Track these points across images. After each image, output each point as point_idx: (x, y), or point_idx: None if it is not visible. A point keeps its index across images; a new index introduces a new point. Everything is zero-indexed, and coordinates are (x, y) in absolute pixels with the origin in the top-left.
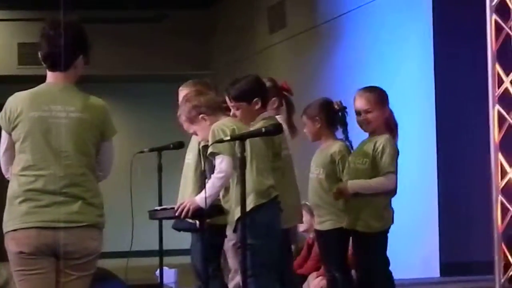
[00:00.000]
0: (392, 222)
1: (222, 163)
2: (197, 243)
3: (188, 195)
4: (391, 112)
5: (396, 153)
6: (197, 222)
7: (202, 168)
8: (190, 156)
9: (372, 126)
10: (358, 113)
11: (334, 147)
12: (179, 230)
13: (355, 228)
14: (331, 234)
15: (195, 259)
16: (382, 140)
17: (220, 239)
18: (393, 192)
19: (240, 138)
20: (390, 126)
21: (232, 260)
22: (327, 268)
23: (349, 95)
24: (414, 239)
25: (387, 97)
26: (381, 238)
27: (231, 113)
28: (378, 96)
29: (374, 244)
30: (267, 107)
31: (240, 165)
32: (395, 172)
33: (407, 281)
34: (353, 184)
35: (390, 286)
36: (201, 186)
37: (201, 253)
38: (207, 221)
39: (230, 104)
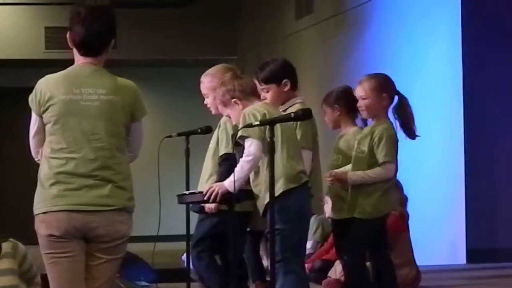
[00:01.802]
0: (392, 208)
1: (251, 146)
2: (204, 221)
3: (206, 179)
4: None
5: (394, 141)
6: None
7: (231, 150)
8: (212, 140)
9: (367, 113)
10: (357, 99)
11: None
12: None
13: (353, 215)
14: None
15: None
16: (379, 129)
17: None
18: (392, 179)
19: (269, 123)
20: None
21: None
22: (340, 256)
23: None
24: (440, 225)
25: (388, 85)
26: (373, 224)
27: (262, 97)
28: (375, 84)
29: (364, 229)
30: (295, 90)
31: (269, 149)
32: (393, 161)
33: (434, 268)
34: (353, 176)
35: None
36: (217, 171)
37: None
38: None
39: (259, 87)
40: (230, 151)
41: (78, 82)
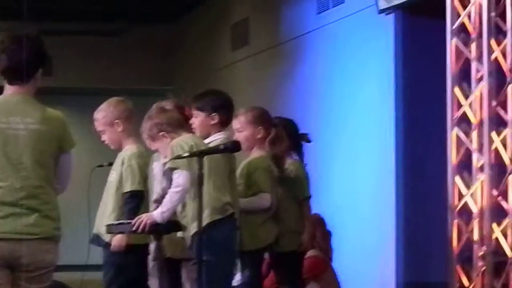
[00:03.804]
0: (272, 240)
1: (179, 178)
2: (109, 261)
3: (108, 214)
4: (270, 131)
5: (267, 171)
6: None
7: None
8: (114, 175)
9: (244, 145)
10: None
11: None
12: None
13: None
14: None
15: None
16: (254, 159)
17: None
18: (268, 210)
19: (198, 155)
20: (277, 144)
21: (154, 281)
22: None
23: (310, 112)
24: (373, 259)
25: (263, 118)
26: (252, 257)
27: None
28: (250, 117)
29: (243, 263)
30: (225, 127)
31: (198, 181)
32: (267, 191)
33: None
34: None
35: None
36: (121, 206)
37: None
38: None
39: (192, 110)
40: (137, 188)
41: (5, 111)
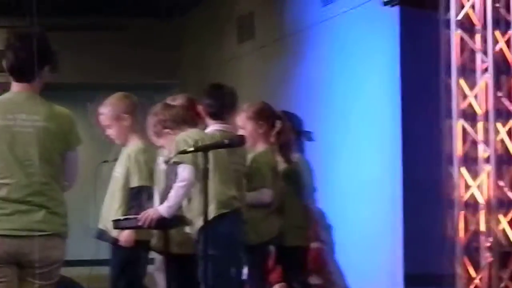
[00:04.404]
0: (275, 234)
1: (184, 172)
2: (116, 256)
3: (115, 209)
4: (273, 124)
5: (269, 166)
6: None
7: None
8: (119, 170)
9: (249, 141)
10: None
11: None
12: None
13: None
14: None
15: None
16: (257, 154)
17: (139, 254)
18: (270, 205)
19: (203, 149)
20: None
21: (162, 276)
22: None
23: (314, 106)
24: (378, 251)
25: (264, 112)
26: (256, 251)
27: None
28: (251, 112)
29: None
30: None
31: (203, 175)
32: (268, 187)
33: None
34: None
35: None
36: (127, 202)
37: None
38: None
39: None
40: (144, 183)
41: (12, 108)
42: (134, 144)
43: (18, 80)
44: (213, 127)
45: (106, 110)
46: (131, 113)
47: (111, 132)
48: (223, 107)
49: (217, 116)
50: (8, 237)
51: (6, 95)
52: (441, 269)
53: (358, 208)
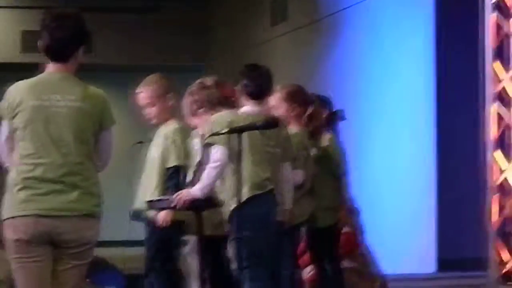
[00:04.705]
0: (307, 216)
1: (217, 153)
2: (152, 237)
3: (152, 190)
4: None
5: (301, 148)
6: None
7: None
8: (156, 150)
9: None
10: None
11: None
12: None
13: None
14: None
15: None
16: (290, 135)
17: (175, 235)
18: (302, 186)
19: (237, 131)
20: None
21: (195, 258)
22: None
23: (349, 89)
24: (411, 234)
25: (298, 95)
26: (288, 233)
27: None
28: (285, 94)
29: None
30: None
31: (236, 157)
32: (300, 167)
33: (404, 276)
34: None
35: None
36: (164, 183)
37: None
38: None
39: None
40: (181, 163)
41: (47, 89)
42: (170, 124)
43: (53, 60)
44: (247, 108)
45: (150, 88)
46: (174, 93)
47: (152, 111)
48: (260, 88)
49: (253, 96)
50: (43, 217)
51: (42, 76)
52: (474, 253)
53: (392, 191)
